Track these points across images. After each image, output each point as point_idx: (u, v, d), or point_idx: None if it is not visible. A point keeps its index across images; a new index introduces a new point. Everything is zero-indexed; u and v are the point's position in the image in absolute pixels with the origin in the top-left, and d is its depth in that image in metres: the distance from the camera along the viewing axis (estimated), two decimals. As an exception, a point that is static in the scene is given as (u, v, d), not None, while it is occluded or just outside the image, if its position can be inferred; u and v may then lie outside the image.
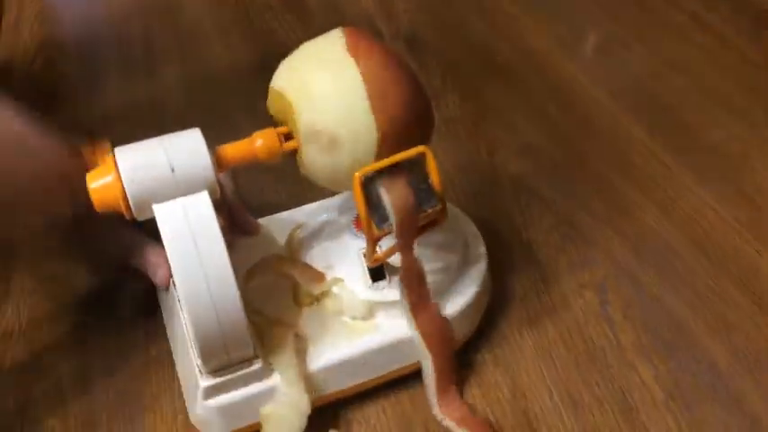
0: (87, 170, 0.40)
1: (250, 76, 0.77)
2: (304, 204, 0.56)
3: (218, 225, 0.39)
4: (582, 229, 0.61)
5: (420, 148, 0.42)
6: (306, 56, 0.44)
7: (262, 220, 0.54)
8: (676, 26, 0.86)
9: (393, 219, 0.42)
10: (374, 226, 0.43)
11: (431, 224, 0.45)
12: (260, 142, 0.42)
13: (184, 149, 0.40)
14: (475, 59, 0.82)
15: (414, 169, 0.43)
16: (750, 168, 0.66)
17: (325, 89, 0.41)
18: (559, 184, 0.65)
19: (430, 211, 0.44)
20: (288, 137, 0.43)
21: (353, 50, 0.42)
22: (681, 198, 0.63)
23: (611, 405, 0.48)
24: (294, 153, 0.44)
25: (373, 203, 0.42)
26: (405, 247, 0.44)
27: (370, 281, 0.47)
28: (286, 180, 0.65)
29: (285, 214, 0.55)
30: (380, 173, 0.42)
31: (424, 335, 0.46)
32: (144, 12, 0.91)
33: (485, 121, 0.73)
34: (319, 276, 0.48)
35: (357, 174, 0.41)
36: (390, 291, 0.47)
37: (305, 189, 0.63)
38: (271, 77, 0.45)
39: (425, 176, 0.43)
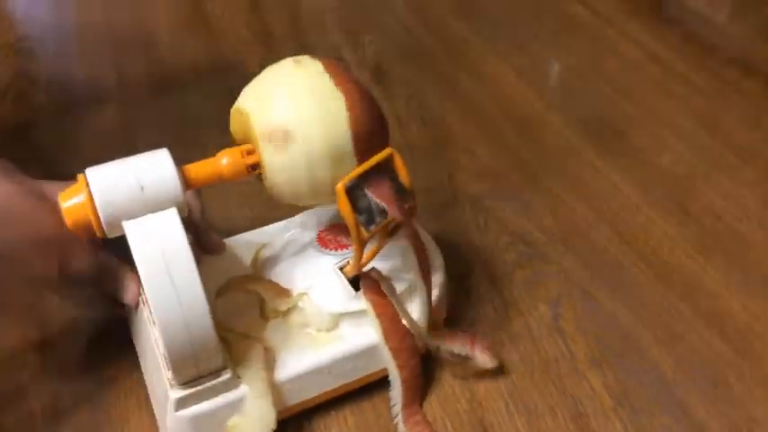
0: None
1: (220, 106, 0.79)
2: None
3: (186, 240, 0.41)
4: (537, 247, 0.64)
5: (387, 150, 0.46)
6: (266, 75, 0.47)
7: (227, 240, 0.56)
8: (628, 57, 0.90)
9: (387, 207, 0.44)
10: (363, 229, 0.45)
11: (409, 215, 0.47)
12: (225, 160, 0.44)
13: (153, 168, 0.42)
14: (437, 88, 0.85)
15: (383, 171, 0.46)
16: (695, 189, 0.70)
17: (277, 91, 0.45)
18: (516, 205, 0.68)
19: (407, 206, 0.46)
20: (251, 153, 0.45)
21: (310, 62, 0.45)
22: (630, 217, 0.67)
23: (563, 412, 0.51)
24: (259, 175, 0.46)
25: (359, 208, 0.45)
26: (407, 223, 0.47)
27: (336, 294, 0.50)
28: (252, 203, 0.67)
29: (249, 234, 0.57)
30: (359, 179, 0.45)
31: (394, 350, 0.48)
32: (116, 45, 0.93)
33: (445, 146, 0.76)
34: (285, 292, 0.50)
35: (339, 185, 0.44)
36: (355, 302, 0.49)
37: (270, 210, 0.65)
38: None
39: (395, 176, 0.47)
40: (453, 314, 0.56)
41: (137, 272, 0.49)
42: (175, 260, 0.41)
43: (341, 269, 0.51)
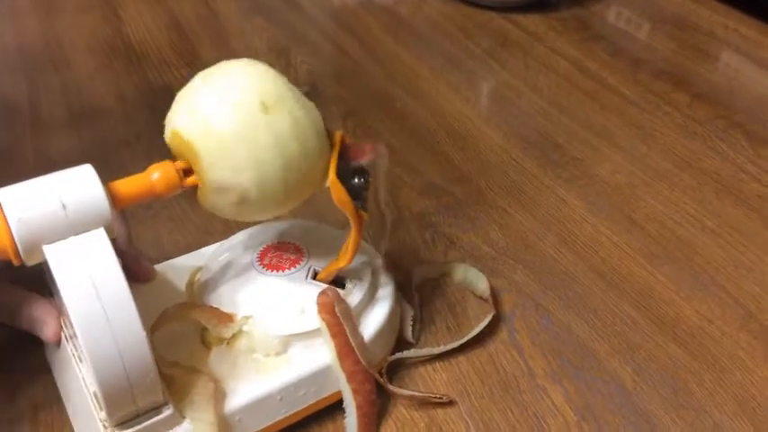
0: None
1: (147, 130, 0.75)
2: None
3: (118, 262, 0.37)
4: (485, 261, 0.62)
5: (339, 132, 0.45)
6: (210, 94, 0.42)
7: (158, 267, 0.52)
8: (560, 72, 0.91)
9: (369, 152, 0.45)
10: (360, 210, 0.45)
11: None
12: (156, 175, 0.40)
13: (76, 185, 0.37)
14: (373, 106, 0.83)
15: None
16: (636, 197, 0.70)
17: (235, 146, 0.41)
18: (461, 220, 0.66)
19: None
20: (187, 172, 0.41)
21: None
22: (577, 228, 0.66)
23: (526, 430, 0.48)
24: (194, 188, 0.43)
25: (350, 191, 0.44)
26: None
27: (283, 315, 0.46)
28: (184, 228, 0.63)
29: (182, 259, 0.53)
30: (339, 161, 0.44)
31: (348, 373, 0.45)
32: (29, 67, 0.87)
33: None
34: (228, 317, 0.46)
35: (333, 177, 0.44)
36: (304, 321, 0.46)
37: (203, 235, 0.61)
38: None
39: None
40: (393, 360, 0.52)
41: (54, 304, 0.45)
42: (106, 285, 0.36)
43: (314, 277, 0.49)
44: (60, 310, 0.45)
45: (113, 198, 0.39)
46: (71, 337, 0.43)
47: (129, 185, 0.40)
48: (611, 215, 0.68)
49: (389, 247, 0.56)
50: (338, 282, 0.49)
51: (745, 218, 0.68)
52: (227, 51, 0.93)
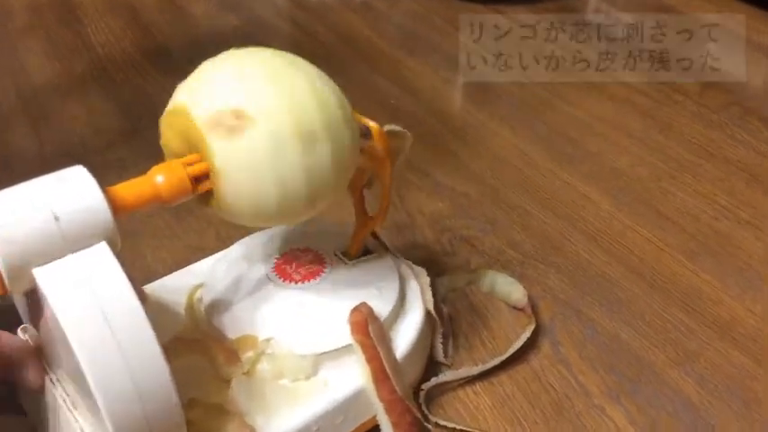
0: None
1: (120, 137, 0.67)
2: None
3: (128, 281, 0.29)
4: (513, 267, 0.55)
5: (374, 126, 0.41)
6: (203, 66, 0.37)
7: (148, 288, 0.44)
8: (560, 62, 0.85)
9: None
10: None
11: None
12: (161, 177, 0.32)
13: (69, 191, 0.30)
14: (366, 104, 0.76)
15: None
16: (663, 190, 0.65)
17: (221, 72, 0.36)
18: (479, 222, 0.60)
19: None
20: (199, 178, 0.34)
21: None
22: (606, 225, 0.60)
23: (592, 459, 0.42)
24: (205, 195, 0.35)
25: None
26: None
27: (310, 332, 0.40)
28: (168, 244, 0.55)
29: (174, 277, 0.46)
30: None
31: (387, 403, 0.38)
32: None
33: (388, 164, 0.67)
34: (234, 355, 0.38)
35: (376, 126, 0.40)
36: (335, 336, 0.39)
37: (192, 252, 0.54)
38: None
39: None
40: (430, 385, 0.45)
41: (32, 345, 0.37)
42: (118, 311, 0.29)
43: (343, 253, 0.44)
44: (41, 350, 0.37)
45: (114, 205, 0.31)
46: (58, 381, 0.35)
47: (130, 190, 0.32)
48: (638, 210, 0.62)
49: (402, 254, 0.50)
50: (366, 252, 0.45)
51: (780, 207, 0.63)
52: (200, 51, 0.85)
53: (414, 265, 0.48)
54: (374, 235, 0.47)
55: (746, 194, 0.64)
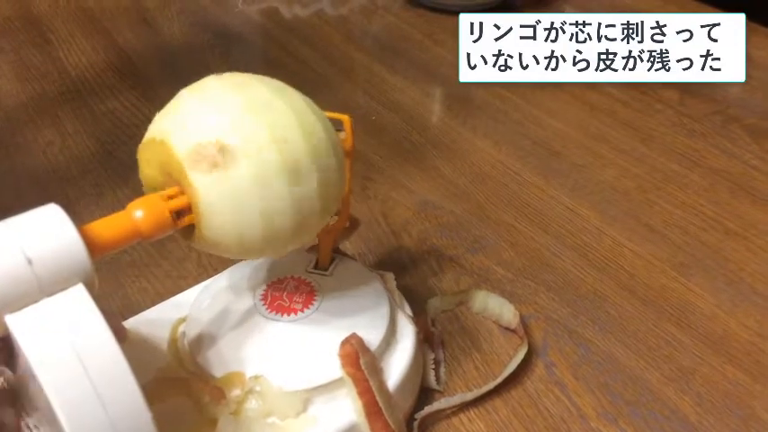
0: None
1: (95, 161, 0.65)
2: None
3: (107, 326, 0.28)
4: (503, 286, 0.54)
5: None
6: (182, 94, 0.36)
7: (127, 323, 0.42)
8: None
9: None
10: None
11: None
12: (140, 213, 0.31)
13: (42, 231, 0.28)
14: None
15: None
16: (649, 202, 0.64)
17: (202, 102, 0.34)
18: (466, 240, 0.59)
19: None
20: (180, 213, 0.32)
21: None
22: (595, 240, 0.59)
23: (592, 486, 0.41)
24: (186, 229, 0.33)
25: None
26: None
27: (300, 366, 0.38)
28: (148, 274, 0.54)
29: (155, 310, 0.44)
30: None
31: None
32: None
33: (371, 181, 0.66)
34: (220, 393, 0.37)
35: None
36: (325, 369, 0.37)
37: (173, 281, 0.52)
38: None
39: None
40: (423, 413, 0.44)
41: (8, 388, 0.35)
42: (97, 359, 0.27)
43: (315, 268, 0.43)
44: (16, 394, 0.35)
45: (91, 245, 0.29)
46: (35, 428, 0.33)
47: (107, 228, 0.30)
48: (626, 224, 0.61)
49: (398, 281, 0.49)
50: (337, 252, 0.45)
51: (766, 217, 0.63)
52: (176, 71, 0.84)
53: (382, 272, 0.47)
54: (336, 250, 0.46)
55: (732, 204, 0.64)
